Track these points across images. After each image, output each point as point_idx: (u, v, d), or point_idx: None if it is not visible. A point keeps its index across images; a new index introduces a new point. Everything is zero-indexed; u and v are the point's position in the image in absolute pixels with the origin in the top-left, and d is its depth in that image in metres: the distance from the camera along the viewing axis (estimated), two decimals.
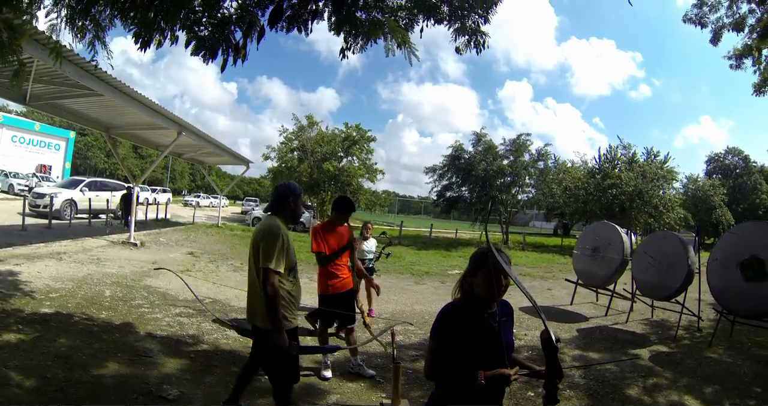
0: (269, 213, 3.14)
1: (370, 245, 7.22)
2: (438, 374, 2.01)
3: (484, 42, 4.55)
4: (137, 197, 14.23)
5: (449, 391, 1.99)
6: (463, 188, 26.75)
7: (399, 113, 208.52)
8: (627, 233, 8.87)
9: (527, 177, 26.23)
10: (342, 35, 3.96)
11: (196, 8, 3.52)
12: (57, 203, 15.14)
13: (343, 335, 5.05)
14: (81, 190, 16.97)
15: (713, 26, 9.21)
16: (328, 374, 4.50)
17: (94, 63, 4.12)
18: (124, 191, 17.04)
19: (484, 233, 2.20)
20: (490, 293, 2.02)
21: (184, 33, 3.56)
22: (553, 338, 1.89)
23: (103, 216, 16.91)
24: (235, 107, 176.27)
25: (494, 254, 1.97)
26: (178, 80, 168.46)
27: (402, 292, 9.55)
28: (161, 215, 21.69)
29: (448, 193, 27.21)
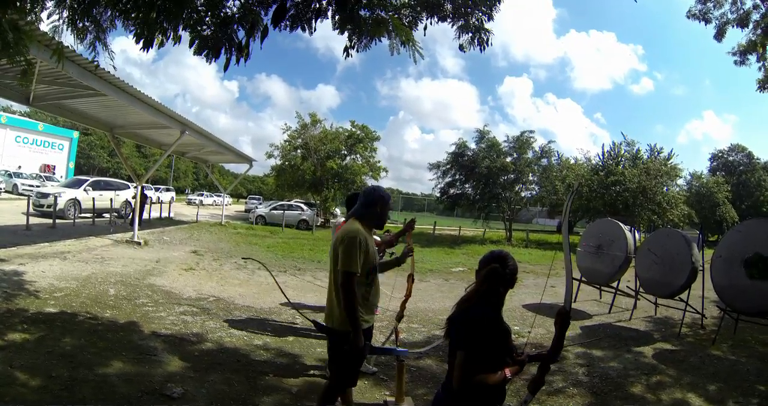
0: (352, 217, 3.12)
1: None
2: (474, 383, 1.97)
3: (487, 39, 4.53)
4: (140, 197, 14.26)
5: (473, 394, 1.98)
6: (467, 185, 26.75)
7: (400, 110, 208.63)
8: (631, 230, 8.84)
9: (530, 174, 26.19)
10: (346, 34, 3.96)
11: (199, 8, 3.52)
12: (61, 203, 15.18)
13: None
14: (85, 190, 16.99)
15: (717, 22, 9.14)
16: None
17: (95, 63, 4.13)
18: (135, 190, 17.03)
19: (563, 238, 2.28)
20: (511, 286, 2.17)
21: (187, 32, 3.57)
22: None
23: (107, 215, 16.95)
24: (235, 105, 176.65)
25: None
26: (179, 79, 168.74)
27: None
28: (165, 214, 21.74)
29: (452, 191, 27.21)
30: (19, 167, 28.72)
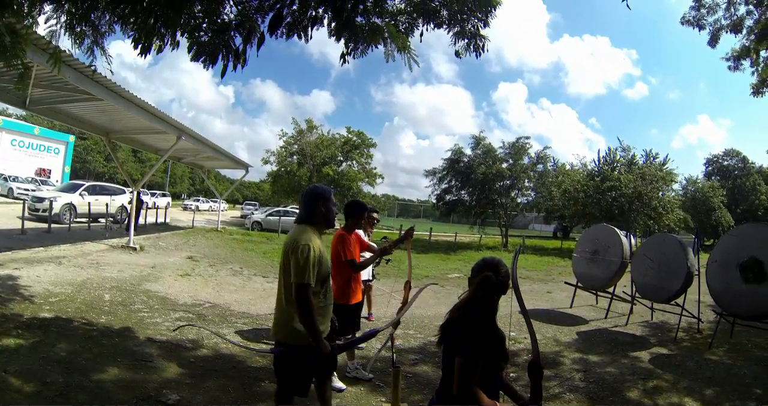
0: (300, 223, 2.94)
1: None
2: (473, 392, 1.96)
3: (483, 45, 4.56)
4: (135, 202, 14.21)
5: (472, 401, 1.97)
6: (463, 192, 26.79)
7: (395, 116, 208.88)
8: (626, 236, 8.88)
9: (526, 180, 26.25)
10: (342, 40, 3.97)
11: (197, 14, 3.53)
12: (56, 207, 15.11)
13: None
14: (80, 194, 16.93)
15: (711, 28, 9.23)
16: (340, 385, 4.46)
17: (92, 68, 4.14)
18: (131, 195, 16.96)
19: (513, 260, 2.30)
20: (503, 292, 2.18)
21: (185, 38, 3.57)
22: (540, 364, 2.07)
23: (103, 220, 16.89)
24: (230, 110, 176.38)
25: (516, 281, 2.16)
26: (174, 84, 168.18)
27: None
28: (161, 219, 21.66)
29: (448, 197, 27.25)
30: (43, 173, 28.89)
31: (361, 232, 5.22)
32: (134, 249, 11.82)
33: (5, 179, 25.65)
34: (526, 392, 2.28)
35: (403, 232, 4.50)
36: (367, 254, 5.09)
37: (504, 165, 25.61)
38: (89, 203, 16.36)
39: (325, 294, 2.91)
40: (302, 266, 2.67)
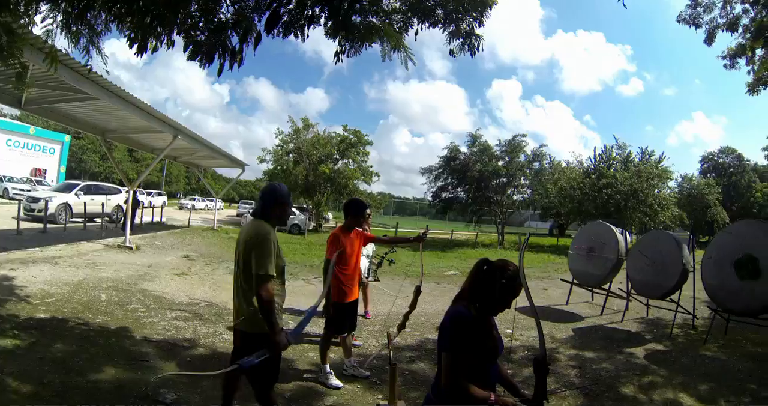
0: (257, 217, 3.07)
1: (368, 248, 6.75)
2: (459, 387, 1.99)
3: (478, 45, 4.56)
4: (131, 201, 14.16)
5: (460, 396, 1.99)
6: (459, 189, 26.86)
7: (389, 113, 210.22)
8: (622, 233, 8.92)
9: (522, 178, 26.32)
10: (337, 39, 3.97)
11: (193, 13, 3.53)
12: (52, 207, 15.03)
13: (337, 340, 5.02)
14: (76, 194, 16.84)
15: (707, 26, 9.28)
16: (337, 382, 4.48)
17: (88, 67, 4.14)
18: (127, 195, 16.88)
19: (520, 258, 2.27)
20: (507, 306, 2.15)
21: (181, 37, 3.57)
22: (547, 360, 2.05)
23: (99, 220, 16.82)
24: (225, 109, 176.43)
25: (525, 281, 2.09)
26: (168, 82, 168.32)
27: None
28: (157, 219, 21.60)
29: (444, 194, 27.31)
30: (38, 173, 28.82)
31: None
32: (130, 249, 11.79)
33: (0, 180, 25.52)
34: (522, 388, 2.30)
35: (421, 232, 4.54)
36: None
37: (500, 163, 25.67)
38: (85, 202, 16.29)
39: (282, 286, 3.07)
40: (264, 258, 2.81)
